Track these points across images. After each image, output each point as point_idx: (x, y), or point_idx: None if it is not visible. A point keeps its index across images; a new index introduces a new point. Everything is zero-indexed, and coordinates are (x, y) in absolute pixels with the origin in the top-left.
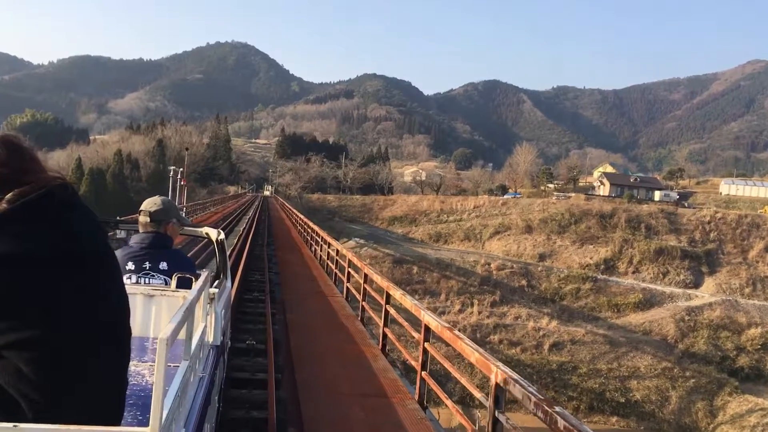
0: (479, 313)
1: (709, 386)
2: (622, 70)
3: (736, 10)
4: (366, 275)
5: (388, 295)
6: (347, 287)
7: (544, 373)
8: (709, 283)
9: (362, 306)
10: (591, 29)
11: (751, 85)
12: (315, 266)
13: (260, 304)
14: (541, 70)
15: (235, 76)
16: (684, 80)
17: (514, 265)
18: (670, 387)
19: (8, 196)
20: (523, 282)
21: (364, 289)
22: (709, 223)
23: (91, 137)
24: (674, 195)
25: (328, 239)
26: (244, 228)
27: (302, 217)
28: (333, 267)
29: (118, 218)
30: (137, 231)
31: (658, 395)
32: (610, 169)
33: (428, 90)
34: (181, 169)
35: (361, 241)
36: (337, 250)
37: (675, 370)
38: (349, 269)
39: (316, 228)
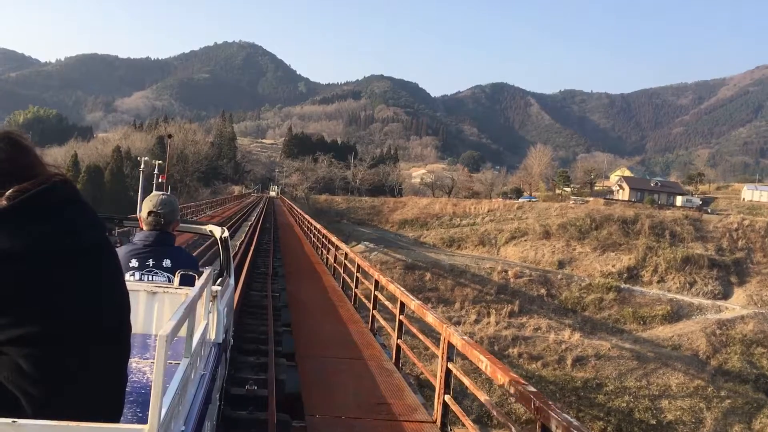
0: (496, 323)
1: (747, 407)
2: (629, 74)
3: (745, 15)
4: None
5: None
6: (446, 402)
7: (568, 390)
8: (739, 295)
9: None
10: (598, 33)
11: (759, 90)
12: (351, 317)
13: None
14: (548, 74)
15: (242, 75)
16: (692, 85)
17: (533, 273)
18: (705, 408)
19: (8, 192)
20: (543, 291)
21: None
22: (736, 230)
23: (96, 135)
24: (697, 200)
25: (380, 277)
26: (243, 241)
27: (318, 226)
28: (395, 337)
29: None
30: (140, 228)
31: (692, 416)
32: (628, 173)
33: (435, 92)
34: (159, 162)
35: (371, 245)
36: (402, 304)
37: (709, 389)
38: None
39: (353, 255)
